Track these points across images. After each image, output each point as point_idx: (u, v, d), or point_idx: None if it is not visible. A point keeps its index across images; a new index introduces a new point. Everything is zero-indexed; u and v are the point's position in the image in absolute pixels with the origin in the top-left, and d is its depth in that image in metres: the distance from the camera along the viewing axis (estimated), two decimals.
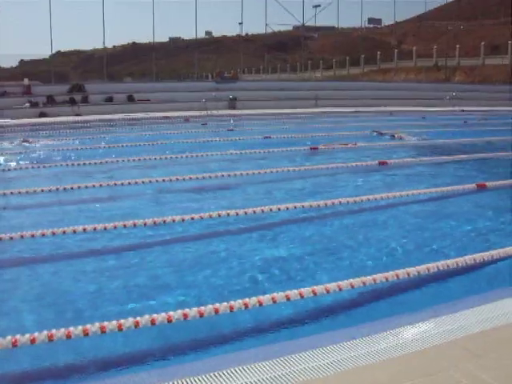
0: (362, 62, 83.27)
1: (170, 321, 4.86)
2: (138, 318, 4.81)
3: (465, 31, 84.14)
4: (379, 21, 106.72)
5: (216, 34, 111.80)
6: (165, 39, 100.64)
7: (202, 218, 8.38)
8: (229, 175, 11.81)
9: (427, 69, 70.68)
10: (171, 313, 4.93)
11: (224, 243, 7.95)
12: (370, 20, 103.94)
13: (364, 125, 23.16)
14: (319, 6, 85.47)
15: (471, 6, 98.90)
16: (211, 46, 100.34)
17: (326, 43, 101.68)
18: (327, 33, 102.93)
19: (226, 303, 5.12)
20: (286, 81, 51.31)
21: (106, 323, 4.70)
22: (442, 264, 6.18)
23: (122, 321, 4.76)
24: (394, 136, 19.18)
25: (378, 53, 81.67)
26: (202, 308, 5.02)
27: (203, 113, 28.27)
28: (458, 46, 71.79)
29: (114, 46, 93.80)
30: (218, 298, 5.50)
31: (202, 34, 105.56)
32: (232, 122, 24.28)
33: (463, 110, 32.56)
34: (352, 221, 9.26)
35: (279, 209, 8.89)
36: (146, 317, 4.84)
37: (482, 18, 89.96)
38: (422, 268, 6.04)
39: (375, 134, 20.01)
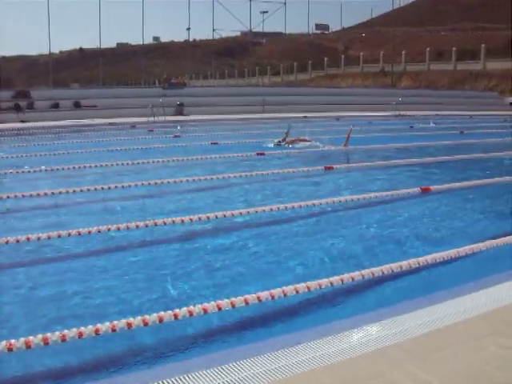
0: (310, 67, 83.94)
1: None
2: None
3: (411, 37, 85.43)
4: (326, 27, 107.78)
5: (164, 39, 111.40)
6: (112, 45, 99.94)
7: (146, 226, 8.27)
8: (174, 181, 11.74)
9: (374, 74, 71.64)
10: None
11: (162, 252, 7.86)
12: (318, 26, 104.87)
13: (312, 130, 23.36)
14: (267, 11, 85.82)
15: (417, 13, 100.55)
16: (159, 51, 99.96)
17: (273, 49, 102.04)
18: (275, 39, 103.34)
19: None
20: (234, 86, 51.29)
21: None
22: (386, 268, 6.22)
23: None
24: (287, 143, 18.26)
25: (325, 58, 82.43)
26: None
27: (150, 119, 28.11)
28: (403, 51, 72.84)
29: (61, 52, 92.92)
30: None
31: (149, 40, 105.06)
32: (179, 128, 24.15)
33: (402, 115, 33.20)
34: (298, 227, 9.25)
35: (225, 215, 8.83)
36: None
37: (428, 24, 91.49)
38: (367, 272, 6.06)
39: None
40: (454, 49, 68.58)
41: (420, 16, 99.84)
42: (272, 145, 18.29)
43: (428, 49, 72.11)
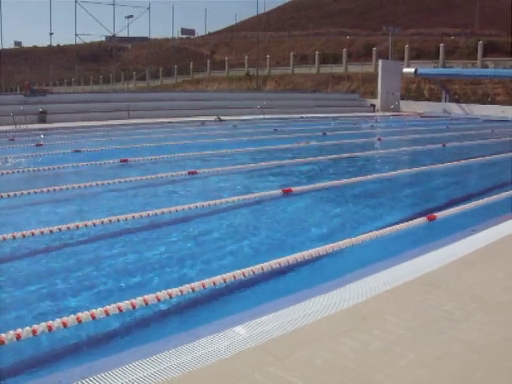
0: (175, 72, 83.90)
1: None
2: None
3: (275, 42, 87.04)
4: (192, 31, 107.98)
5: (26, 44, 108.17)
6: None
7: None
8: (35, 192, 11.35)
9: (239, 78, 72.43)
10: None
11: None
12: (183, 30, 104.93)
13: (177, 135, 23.42)
14: (131, 16, 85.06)
15: (281, 18, 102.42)
16: (21, 56, 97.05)
17: (139, 54, 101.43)
18: (140, 43, 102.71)
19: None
20: (99, 92, 50.45)
21: None
22: (248, 270, 6.28)
23: None
24: None
25: (191, 63, 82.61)
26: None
27: (11, 127, 27.17)
28: (268, 55, 74.09)
29: None
30: None
31: (10, 44, 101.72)
32: (42, 136, 23.45)
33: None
34: (154, 234, 9.20)
35: (86, 225, 8.62)
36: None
37: (291, 29, 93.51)
38: (228, 276, 6.10)
39: None
40: (316, 53, 70.45)
41: (284, 21, 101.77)
42: None
43: (292, 53, 73.73)
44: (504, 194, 11.51)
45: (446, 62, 58.86)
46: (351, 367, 4.12)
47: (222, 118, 33.41)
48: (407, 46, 62.02)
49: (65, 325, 4.99)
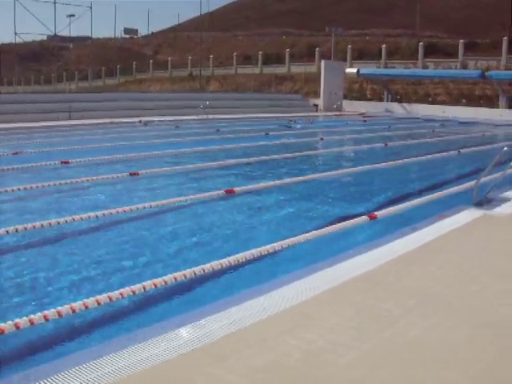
0: (118, 72, 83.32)
1: None
2: None
3: (218, 42, 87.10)
4: (135, 31, 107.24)
5: None
6: None
7: None
8: None
9: (182, 78, 72.24)
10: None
11: None
12: (126, 30, 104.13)
13: (119, 136, 23.26)
14: (73, 15, 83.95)
15: (224, 19, 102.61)
16: None
17: (81, 54, 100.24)
18: (82, 43, 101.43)
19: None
20: (40, 93, 49.66)
21: None
22: (189, 272, 6.26)
23: None
24: None
25: (134, 63, 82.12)
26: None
27: None
28: (211, 56, 74.09)
29: None
30: None
31: None
32: None
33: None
34: (97, 237, 9.10)
35: (25, 228, 8.44)
36: None
37: (235, 29, 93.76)
38: (169, 278, 6.06)
39: None
40: (260, 53, 70.71)
41: (227, 22, 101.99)
42: None
43: (235, 53, 73.86)
44: (444, 192, 11.68)
45: (388, 62, 59.67)
46: (296, 366, 4.14)
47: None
48: (350, 46, 62.68)
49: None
